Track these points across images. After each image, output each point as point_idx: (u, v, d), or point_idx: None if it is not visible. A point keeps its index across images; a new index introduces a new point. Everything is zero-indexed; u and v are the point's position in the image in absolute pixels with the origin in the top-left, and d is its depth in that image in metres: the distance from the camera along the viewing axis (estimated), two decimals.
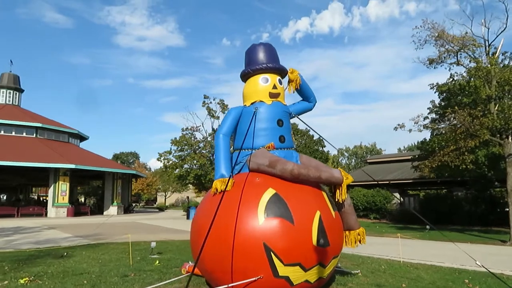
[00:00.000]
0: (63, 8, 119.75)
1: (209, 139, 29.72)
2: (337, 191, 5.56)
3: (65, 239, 13.72)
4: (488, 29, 13.77)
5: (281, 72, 6.14)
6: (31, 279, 6.52)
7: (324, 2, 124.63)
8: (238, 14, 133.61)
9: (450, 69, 14.82)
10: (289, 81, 6.22)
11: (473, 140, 12.82)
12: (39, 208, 31.72)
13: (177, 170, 29.92)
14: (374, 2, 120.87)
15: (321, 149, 35.52)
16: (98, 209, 36.74)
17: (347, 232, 5.83)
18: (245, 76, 6.22)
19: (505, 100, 14.37)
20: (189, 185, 42.28)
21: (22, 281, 6.35)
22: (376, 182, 21.24)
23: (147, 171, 72.71)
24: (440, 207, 22.44)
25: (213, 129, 30.27)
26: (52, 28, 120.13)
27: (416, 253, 10.21)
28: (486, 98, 13.46)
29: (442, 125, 17.11)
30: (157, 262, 8.34)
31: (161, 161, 30.91)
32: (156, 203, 73.14)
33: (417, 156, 19.49)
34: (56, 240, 13.22)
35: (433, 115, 18.27)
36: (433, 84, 15.87)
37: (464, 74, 14.80)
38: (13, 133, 33.22)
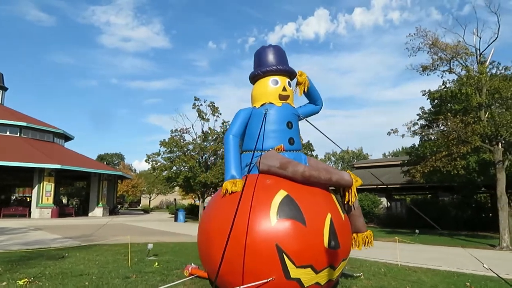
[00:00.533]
0: (47, 7, 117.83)
1: (198, 141, 29.53)
2: (347, 193, 5.60)
3: (54, 241, 13.44)
4: (480, 38, 14.13)
5: (291, 74, 6.16)
6: (30, 280, 6.35)
7: (310, 8, 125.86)
8: (224, 18, 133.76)
9: (442, 76, 15.15)
10: (298, 84, 6.24)
11: (465, 146, 13.10)
12: (23, 208, 30.96)
13: (165, 172, 29.61)
14: (359, 10, 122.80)
15: (310, 153, 35.70)
16: (83, 211, 36.07)
17: (354, 234, 5.87)
18: (254, 78, 6.21)
19: (493, 108, 14.72)
20: (175, 187, 41.99)
21: (21, 283, 6.19)
22: (363, 187, 21.46)
23: (132, 173, 71.89)
24: (428, 212, 22.77)
25: (202, 132, 30.12)
26: (36, 26, 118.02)
27: (411, 257, 10.35)
28: (477, 105, 13.78)
29: (432, 131, 17.43)
30: (156, 264, 8.25)
31: (149, 163, 30.55)
32: (140, 205, 72.30)
33: (406, 161, 19.77)
34: (46, 242, 12.93)
35: (423, 122, 18.62)
36: (425, 91, 16.18)
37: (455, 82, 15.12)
38: None
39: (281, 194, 5.17)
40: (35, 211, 29.25)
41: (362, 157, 63.71)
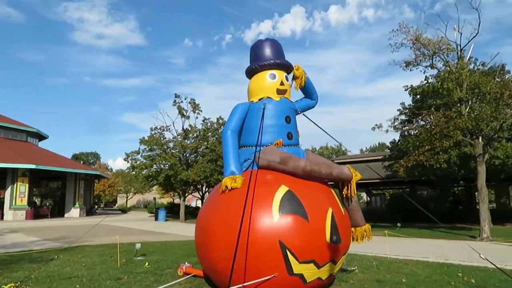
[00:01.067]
0: (15, 2, 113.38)
1: (179, 139, 29.11)
2: (346, 188, 5.58)
3: (33, 243, 12.96)
4: (461, 34, 14.44)
5: (288, 68, 6.08)
6: (16, 285, 6.05)
7: (286, 5, 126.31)
8: (201, 15, 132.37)
9: (425, 71, 15.43)
10: (294, 78, 6.17)
11: (448, 141, 13.39)
12: None
13: (145, 170, 29.07)
14: (334, 7, 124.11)
15: None
16: (59, 212, 35.00)
17: (353, 228, 5.86)
18: (251, 72, 6.09)
19: (472, 103, 15.11)
20: (153, 186, 41.30)
21: (7, 287, 5.88)
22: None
23: (108, 172, 70.41)
24: (407, 205, 23.25)
25: (183, 129, 29.71)
26: (4, 22, 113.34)
27: (398, 250, 10.49)
28: (458, 100, 14.10)
29: (413, 126, 17.76)
30: (147, 264, 8.04)
31: (128, 161, 29.93)
32: (116, 204, 70.90)
33: (387, 156, 20.08)
34: (25, 244, 12.44)
35: (403, 117, 18.95)
36: (407, 86, 16.45)
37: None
38: None
39: (282, 190, 5.09)
40: (8, 213, 28.16)
41: (341, 153, 64.46)
